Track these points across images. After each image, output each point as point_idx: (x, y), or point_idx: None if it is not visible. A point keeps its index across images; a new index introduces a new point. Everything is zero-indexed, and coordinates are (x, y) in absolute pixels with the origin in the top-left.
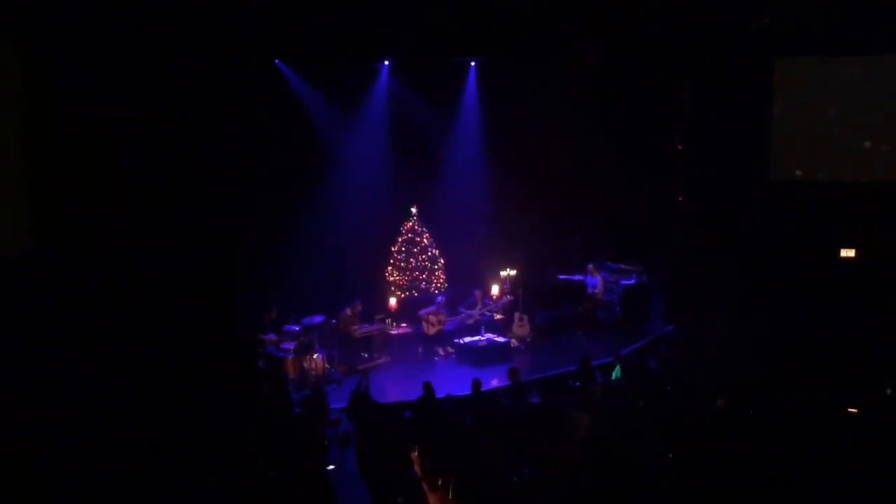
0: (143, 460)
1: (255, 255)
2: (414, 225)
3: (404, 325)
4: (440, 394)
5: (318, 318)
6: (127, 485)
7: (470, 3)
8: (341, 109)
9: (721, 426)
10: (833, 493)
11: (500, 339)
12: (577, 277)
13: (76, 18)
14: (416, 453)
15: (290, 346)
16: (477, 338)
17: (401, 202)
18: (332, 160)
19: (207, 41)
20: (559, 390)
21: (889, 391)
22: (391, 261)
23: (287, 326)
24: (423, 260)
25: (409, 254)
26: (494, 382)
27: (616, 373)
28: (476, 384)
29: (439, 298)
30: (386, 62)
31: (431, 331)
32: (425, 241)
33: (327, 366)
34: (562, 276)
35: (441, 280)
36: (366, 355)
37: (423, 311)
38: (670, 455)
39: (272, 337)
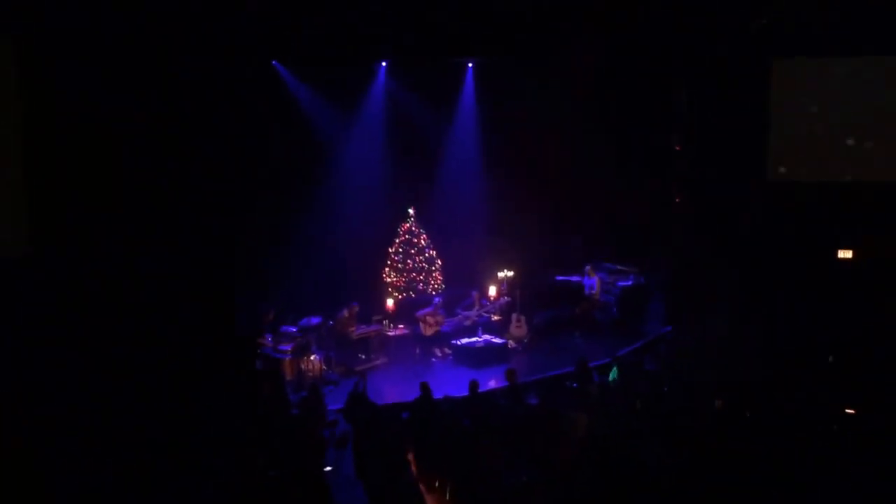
0: (142, 460)
1: (254, 255)
2: (411, 226)
3: (401, 326)
4: (437, 395)
5: (315, 320)
6: (127, 485)
7: (469, 3)
8: (339, 110)
9: (720, 426)
10: (833, 493)
11: (498, 341)
12: (575, 278)
13: (75, 18)
14: (413, 454)
15: (288, 347)
16: (474, 339)
17: (398, 203)
18: (330, 161)
19: (207, 41)
20: (557, 391)
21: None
22: (388, 262)
23: (284, 328)
24: (421, 261)
25: (407, 255)
26: (492, 383)
27: (613, 374)
28: (473, 385)
29: (437, 300)
30: (384, 63)
31: (429, 332)
32: (423, 242)
33: (324, 367)
34: (559, 278)
35: (438, 281)
36: (363, 357)
37: (420, 313)
38: (668, 455)
39: (269, 339)
